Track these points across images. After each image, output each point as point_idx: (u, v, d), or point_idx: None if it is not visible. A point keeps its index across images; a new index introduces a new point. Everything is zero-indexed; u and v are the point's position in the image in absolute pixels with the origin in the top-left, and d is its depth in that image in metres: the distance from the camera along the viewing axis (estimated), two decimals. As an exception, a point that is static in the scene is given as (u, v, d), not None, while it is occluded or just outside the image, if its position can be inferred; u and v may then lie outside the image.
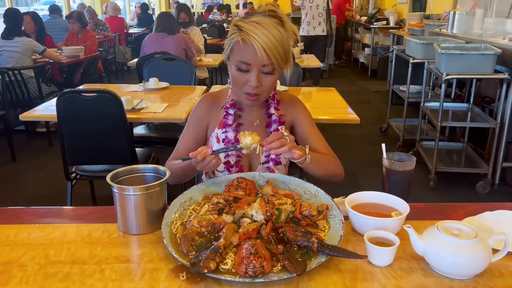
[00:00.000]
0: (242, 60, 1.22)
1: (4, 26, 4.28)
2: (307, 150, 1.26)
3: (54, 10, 6.75)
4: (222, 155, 1.37)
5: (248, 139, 1.16)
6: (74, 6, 9.17)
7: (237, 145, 1.19)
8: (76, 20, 5.27)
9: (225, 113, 1.39)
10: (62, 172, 2.39)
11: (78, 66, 5.06)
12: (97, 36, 7.15)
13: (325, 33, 6.67)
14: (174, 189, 1.50)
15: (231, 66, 1.27)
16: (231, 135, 1.38)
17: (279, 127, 1.24)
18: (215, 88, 3.20)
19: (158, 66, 3.46)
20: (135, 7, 11.77)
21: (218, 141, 1.40)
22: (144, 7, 10.47)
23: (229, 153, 1.37)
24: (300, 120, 1.46)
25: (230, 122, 1.38)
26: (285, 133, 1.18)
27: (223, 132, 1.39)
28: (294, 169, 1.71)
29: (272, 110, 1.41)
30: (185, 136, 1.44)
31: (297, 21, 6.87)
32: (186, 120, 2.32)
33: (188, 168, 1.26)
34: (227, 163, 1.39)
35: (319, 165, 1.32)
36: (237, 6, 15.41)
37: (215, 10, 11.91)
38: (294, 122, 1.46)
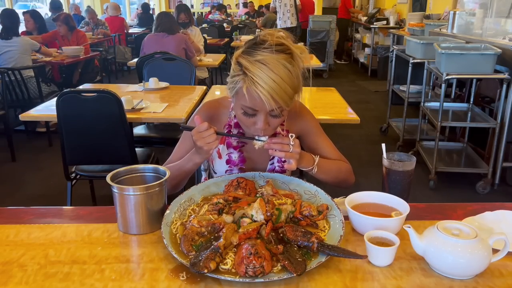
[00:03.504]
0: (248, 106, 1.14)
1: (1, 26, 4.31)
2: (316, 160, 1.26)
3: (56, 7, 6.75)
4: (224, 174, 1.35)
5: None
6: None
7: (250, 138, 1.20)
8: (62, 23, 5.21)
9: (227, 131, 1.35)
10: (62, 172, 2.39)
11: (76, 66, 5.06)
12: (97, 36, 7.17)
13: (294, 25, 8.17)
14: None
15: (236, 108, 1.20)
16: (235, 156, 1.35)
17: (290, 135, 1.17)
18: (215, 88, 3.20)
19: (158, 66, 3.46)
20: (137, 8, 11.79)
21: (219, 157, 1.36)
22: (145, 6, 10.46)
23: (233, 172, 1.34)
24: (308, 131, 1.41)
25: (234, 143, 1.34)
26: (292, 142, 1.16)
27: (227, 153, 1.35)
28: (294, 169, 1.70)
29: (277, 128, 1.35)
30: (181, 147, 1.37)
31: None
32: (186, 120, 2.34)
33: (182, 165, 1.25)
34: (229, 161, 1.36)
35: (327, 174, 1.31)
36: (237, 6, 15.41)
37: (213, 10, 11.91)
38: (301, 133, 1.41)
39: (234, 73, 1.15)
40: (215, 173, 1.39)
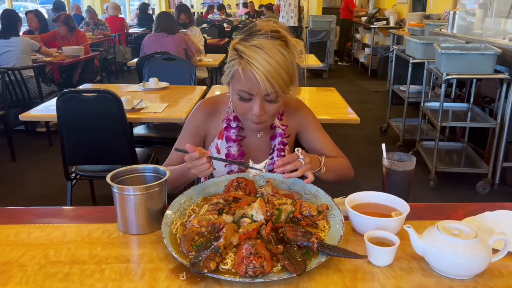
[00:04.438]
0: (243, 89, 1.16)
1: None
2: (322, 161, 1.25)
3: (59, 8, 6.76)
4: (223, 170, 1.36)
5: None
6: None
7: (246, 165, 1.16)
8: (62, 24, 5.23)
9: (226, 125, 1.34)
10: (62, 172, 2.39)
11: (76, 66, 5.07)
12: (97, 36, 7.17)
13: (296, 25, 8.56)
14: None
15: (233, 94, 1.22)
16: (234, 149, 1.34)
17: (296, 149, 1.16)
18: (215, 88, 3.20)
19: (158, 66, 3.46)
20: (137, 9, 11.76)
21: (218, 152, 1.36)
22: (143, 6, 10.40)
23: (232, 167, 1.34)
24: (306, 126, 1.43)
25: (233, 136, 1.34)
26: (301, 156, 1.14)
27: (226, 147, 1.35)
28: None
29: (276, 122, 1.36)
30: (179, 144, 1.36)
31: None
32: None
33: (183, 171, 1.25)
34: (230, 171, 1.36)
35: (331, 173, 1.31)
36: (237, 6, 15.41)
37: (214, 10, 11.90)
38: (299, 128, 1.42)
39: (230, 58, 1.18)
40: (214, 169, 1.39)
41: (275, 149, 1.37)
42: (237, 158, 1.34)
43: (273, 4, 9.68)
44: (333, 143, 1.44)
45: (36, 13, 5.44)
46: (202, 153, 1.12)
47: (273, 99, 1.18)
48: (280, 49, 1.13)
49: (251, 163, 1.16)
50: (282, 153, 1.36)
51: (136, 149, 2.46)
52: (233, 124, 1.34)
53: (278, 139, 1.36)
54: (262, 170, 1.15)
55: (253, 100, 1.18)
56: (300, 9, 8.75)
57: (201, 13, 13.41)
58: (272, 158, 1.37)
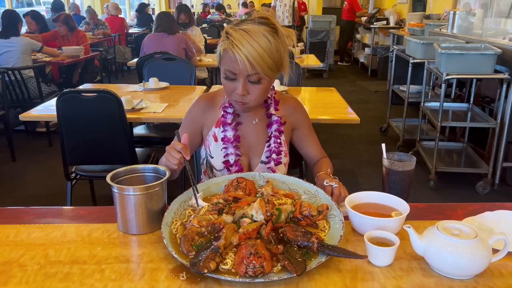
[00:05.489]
0: (227, 69, 1.24)
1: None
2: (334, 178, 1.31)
3: (58, 8, 6.75)
4: (219, 154, 1.39)
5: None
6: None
7: (195, 192, 1.14)
8: (62, 23, 5.23)
9: (223, 112, 1.40)
10: (62, 172, 2.39)
11: (76, 66, 5.07)
12: (97, 36, 7.16)
13: (290, 24, 8.75)
14: (174, 189, 1.50)
15: (221, 73, 1.29)
16: (230, 133, 1.38)
17: (326, 183, 1.23)
18: (215, 88, 3.20)
19: (158, 66, 3.46)
20: (136, 11, 11.73)
21: (215, 140, 1.40)
22: (141, 6, 10.35)
23: (229, 151, 1.38)
24: (301, 124, 1.51)
25: (229, 120, 1.39)
26: (334, 185, 1.21)
27: (222, 131, 1.39)
28: (294, 169, 1.72)
29: (272, 111, 1.42)
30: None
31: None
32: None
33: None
34: (226, 162, 1.39)
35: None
36: (238, 6, 15.41)
37: (213, 10, 11.88)
38: (295, 125, 1.50)
39: (221, 40, 1.25)
40: (212, 157, 1.41)
41: (272, 136, 1.42)
42: (233, 142, 1.38)
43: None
44: (319, 143, 1.54)
45: (33, 15, 5.42)
46: (184, 150, 1.14)
47: (255, 80, 1.23)
48: (266, 34, 1.18)
49: (199, 195, 1.15)
50: (278, 140, 1.41)
51: (136, 149, 2.46)
52: (229, 110, 1.39)
53: (274, 126, 1.42)
54: (196, 206, 1.11)
55: (237, 80, 1.24)
56: (295, 9, 8.98)
57: (200, 13, 13.41)
58: (270, 145, 1.42)
